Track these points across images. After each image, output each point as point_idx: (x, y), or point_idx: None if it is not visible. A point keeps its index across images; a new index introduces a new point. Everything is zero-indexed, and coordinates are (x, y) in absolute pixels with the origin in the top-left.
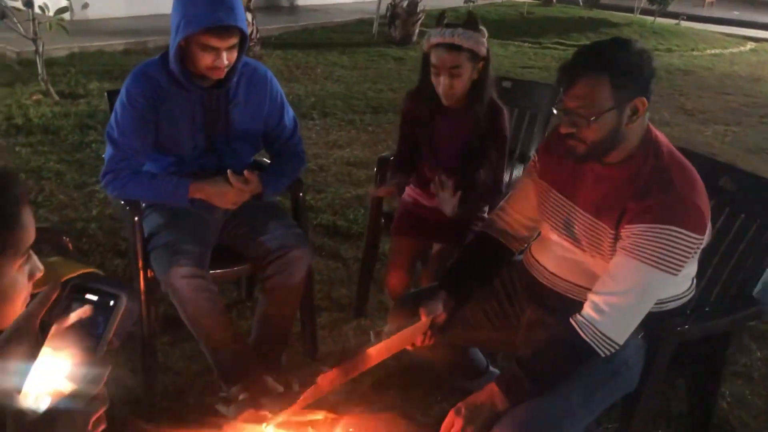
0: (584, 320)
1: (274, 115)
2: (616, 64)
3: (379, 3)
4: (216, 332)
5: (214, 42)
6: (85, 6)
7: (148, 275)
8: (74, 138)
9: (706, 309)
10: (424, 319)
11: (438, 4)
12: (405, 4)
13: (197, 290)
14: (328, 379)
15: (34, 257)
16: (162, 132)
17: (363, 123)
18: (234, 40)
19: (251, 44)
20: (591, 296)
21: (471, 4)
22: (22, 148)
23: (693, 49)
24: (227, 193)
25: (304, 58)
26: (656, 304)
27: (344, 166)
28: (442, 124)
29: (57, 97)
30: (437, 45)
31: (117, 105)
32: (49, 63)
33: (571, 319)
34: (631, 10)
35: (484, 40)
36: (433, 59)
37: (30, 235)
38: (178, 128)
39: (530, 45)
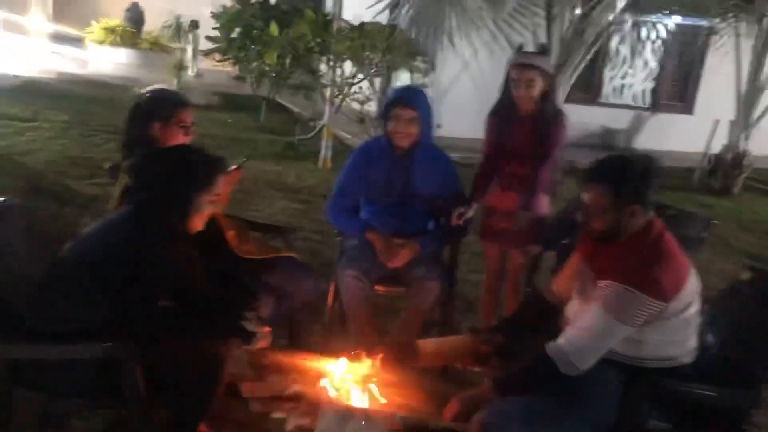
0: (554, 343)
1: (445, 190)
2: (617, 177)
3: (706, 153)
4: (360, 319)
5: (398, 111)
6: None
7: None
8: None
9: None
10: (470, 342)
11: None
12: (729, 156)
13: (356, 288)
14: (384, 360)
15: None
16: (368, 185)
17: None
18: (411, 114)
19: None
20: (565, 328)
21: None
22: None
23: None
24: (385, 254)
25: None
26: (636, 358)
27: None
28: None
29: None
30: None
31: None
32: None
33: (546, 344)
34: None
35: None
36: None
37: (219, 186)
38: (377, 184)
39: None
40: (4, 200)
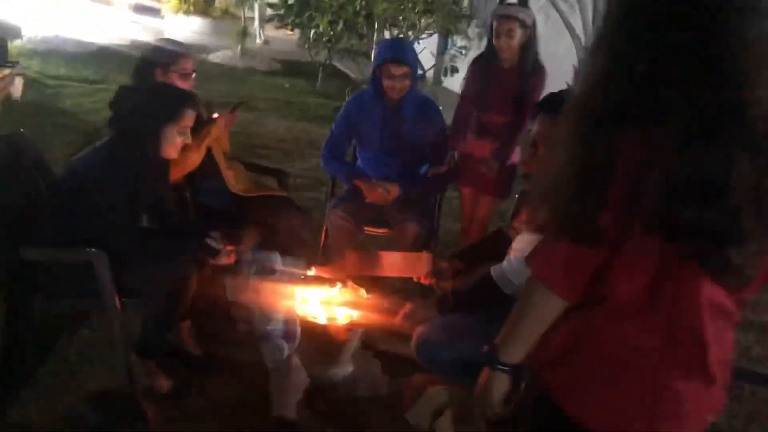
0: (498, 266)
1: (435, 139)
2: (561, 107)
3: None
4: (342, 251)
5: (392, 69)
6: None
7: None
8: None
9: None
10: (429, 259)
11: None
12: None
13: (341, 228)
14: (348, 263)
15: (189, 135)
16: (360, 134)
17: None
18: (404, 70)
19: None
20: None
21: None
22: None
23: None
24: (371, 193)
25: None
26: None
27: None
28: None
29: None
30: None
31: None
32: None
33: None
34: None
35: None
36: (495, 25)
37: (190, 120)
38: (369, 133)
39: None
40: (19, 131)
